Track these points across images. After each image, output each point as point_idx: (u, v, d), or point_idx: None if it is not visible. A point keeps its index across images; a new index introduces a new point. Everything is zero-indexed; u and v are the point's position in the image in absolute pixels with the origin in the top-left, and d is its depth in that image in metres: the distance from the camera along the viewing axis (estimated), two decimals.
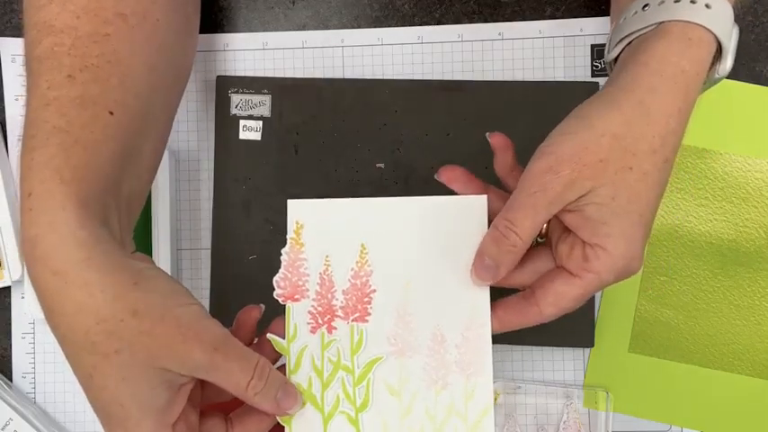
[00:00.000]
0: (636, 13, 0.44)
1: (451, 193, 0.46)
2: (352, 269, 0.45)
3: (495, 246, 0.43)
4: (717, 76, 0.44)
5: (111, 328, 0.38)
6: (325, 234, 0.46)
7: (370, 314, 0.45)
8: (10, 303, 0.63)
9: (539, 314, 0.44)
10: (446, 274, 0.45)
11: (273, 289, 0.45)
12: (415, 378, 0.45)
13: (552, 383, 0.60)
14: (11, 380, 0.63)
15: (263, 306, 0.46)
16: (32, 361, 0.62)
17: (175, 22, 0.50)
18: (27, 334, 0.63)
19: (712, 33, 0.42)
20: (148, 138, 0.46)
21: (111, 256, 0.39)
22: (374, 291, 0.45)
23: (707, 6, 0.42)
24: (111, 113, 0.43)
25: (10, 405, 0.60)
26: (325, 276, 0.45)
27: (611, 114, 0.41)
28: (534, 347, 0.60)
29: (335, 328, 0.45)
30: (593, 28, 0.61)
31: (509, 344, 0.60)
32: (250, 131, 0.61)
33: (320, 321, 0.45)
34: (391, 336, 0.45)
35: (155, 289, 0.40)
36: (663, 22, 0.43)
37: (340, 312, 0.45)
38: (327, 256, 0.45)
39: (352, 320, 0.45)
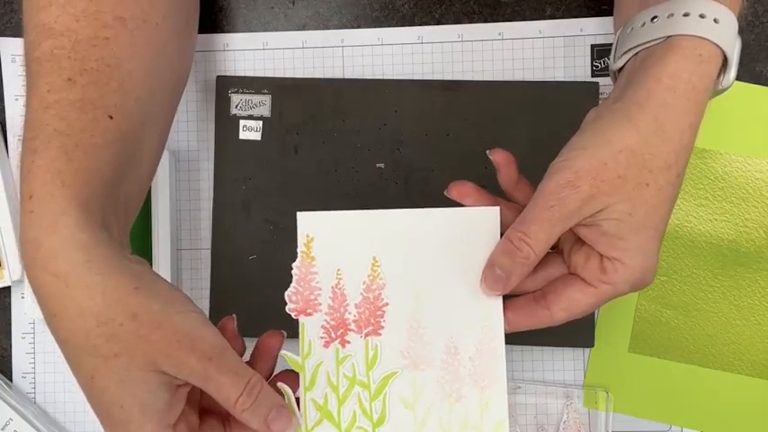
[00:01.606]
0: (644, 24, 0.44)
1: (461, 206, 0.46)
2: (364, 282, 0.45)
3: (508, 257, 0.43)
4: (720, 87, 0.44)
5: (110, 331, 0.38)
6: (336, 247, 0.45)
7: (383, 327, 0.45)
8: (10, 303, 0.63)
9: (549, 318, 0.44)
10: (458, 285, 0.45)
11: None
12: (429, 391, 0.45)
13: (552, 383, 0.60)
14: (11, 380, 0.63)
15: (234, 315, 0.46)
16: (32, 361, 0.62)
17: (175, 25, 0.50)
18: (27, 334, 0.63)
19: (720, 48, 0.42)
20: (147, 141, 0.46)
21: (112, 260, 0.40)
22: (387, 304, 0.45)
23: (715, 21, 0.42)
24: (111, 117, 0.43)
25: (10, 405, 0.61)
26: (337, 290, 0.45)
27: (627, 130, 0.41)
28: (534, 347, 0.60)
29: (349, 342, 0.45)
30: (593, 28, 0.61)
31: (509, 344, 0.60)
32: (250, 131, 0.61)
33: (333, 335, 0.45)
34: (404, 349, 0.45)
35: (155, 294, 0.40)
36: (671, 35, 0.42)
37: (353, 326, 0.45)
38: (339, 270, 0.45)
39: (366, 335, 0.45)
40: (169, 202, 0.60)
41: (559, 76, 0.61)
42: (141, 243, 0.60)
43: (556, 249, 0.46)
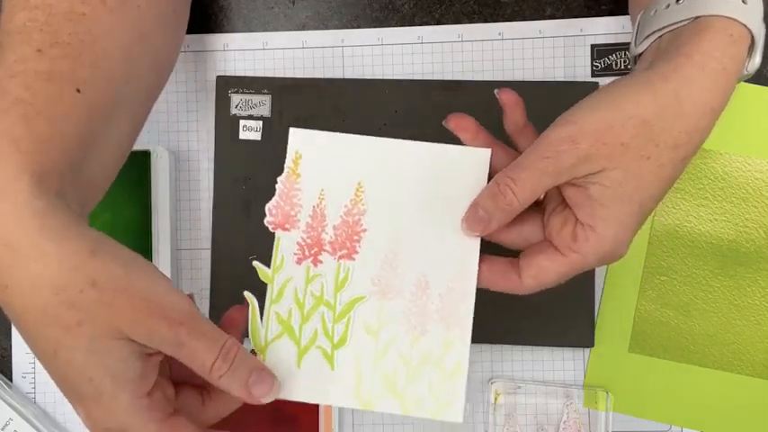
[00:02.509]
0: (668, 6, 0.43)
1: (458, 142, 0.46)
2: (345, 206, 0.45)
3: (492, 201, 0.42)
4: (745, 72, 0.43)
5: (70, 299, 0.37)
6: (324, 167, 0.45)
7: (357, 252, 0.45)
8: None
9: (519, 284, 0.44)
10: (439, 222, 0.45)
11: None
12: (395, 322, 0.44)
13: (552, 383, 0.60)
14: (11, 380, 0.63)
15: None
16: (32, 361, 0.62)
17: (160, 13, 0.49)
18: None
19: (749, 30, 0.41)
20: (118, 125, 0.45)
21: (69, 226, 0.38)
22: (365, 230, 0.45)
23: (744, 2, 0.41)
24: (79, 91, 0.41)
25: (10, 405, 0.61)
26: (318, 210, 0.45)
27: (643, 98, 0.40)
28: (534, 347, 0.60)
29: (321, 262, 0.45)
30: (593, 28, 0.61)
31: (509, 344, 0.60)
32: (250, 131, 0.61)
33: (307, 254, 0.45)
34: (375, 276, 0.45)
35: (115, 259, 0.38)
36: (701, 16, 0.42)
37: (328, 247, 0.45)
38: (322, 190, 0.45)
39: (339, 257, 0.45)
40: (169, 203, 0.60)
41: (559, 76, 0.61)
42: (141, 243, 0.60)
43: (539, 206, 0.45)
